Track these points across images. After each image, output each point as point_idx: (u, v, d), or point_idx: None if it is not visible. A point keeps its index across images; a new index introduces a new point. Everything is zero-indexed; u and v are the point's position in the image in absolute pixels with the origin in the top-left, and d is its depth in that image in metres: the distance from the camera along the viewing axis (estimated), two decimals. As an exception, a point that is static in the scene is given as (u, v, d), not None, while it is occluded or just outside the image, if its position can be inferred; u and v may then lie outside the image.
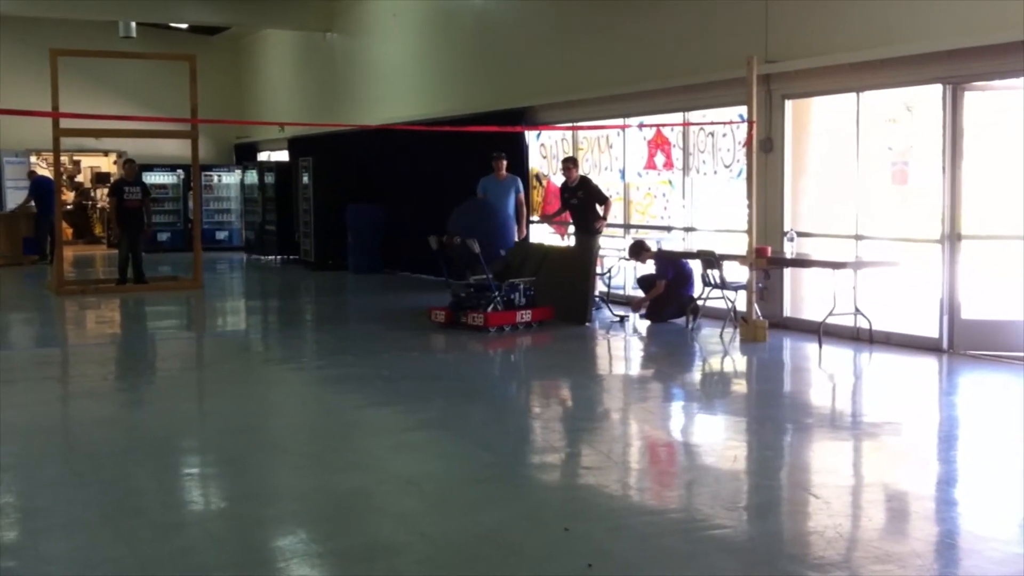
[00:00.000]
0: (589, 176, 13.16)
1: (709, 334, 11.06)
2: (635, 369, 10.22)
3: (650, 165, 13.38)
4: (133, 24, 21.27)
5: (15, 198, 22.11)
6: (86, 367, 10.36)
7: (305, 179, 19.68)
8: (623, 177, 13.75)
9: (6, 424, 7.34)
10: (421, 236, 17.05)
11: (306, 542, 4.95)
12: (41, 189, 20.09)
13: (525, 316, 11.31)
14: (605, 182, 13.52)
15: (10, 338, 12.56)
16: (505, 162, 13.48)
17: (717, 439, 7.14)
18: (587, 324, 11.69)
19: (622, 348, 11.09)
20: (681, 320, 11.64)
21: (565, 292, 11.91)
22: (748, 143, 10.64)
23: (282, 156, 22.91)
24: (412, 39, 18.28)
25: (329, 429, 7.43)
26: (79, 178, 25.99)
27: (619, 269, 13.26)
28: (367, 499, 5.68)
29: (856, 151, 10.50)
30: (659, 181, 13.30)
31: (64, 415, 8.16)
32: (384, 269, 18.00)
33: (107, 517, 5.30)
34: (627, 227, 13.87)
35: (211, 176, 23.80)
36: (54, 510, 5.40)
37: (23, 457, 6.52)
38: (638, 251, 12.08)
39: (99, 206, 25.40)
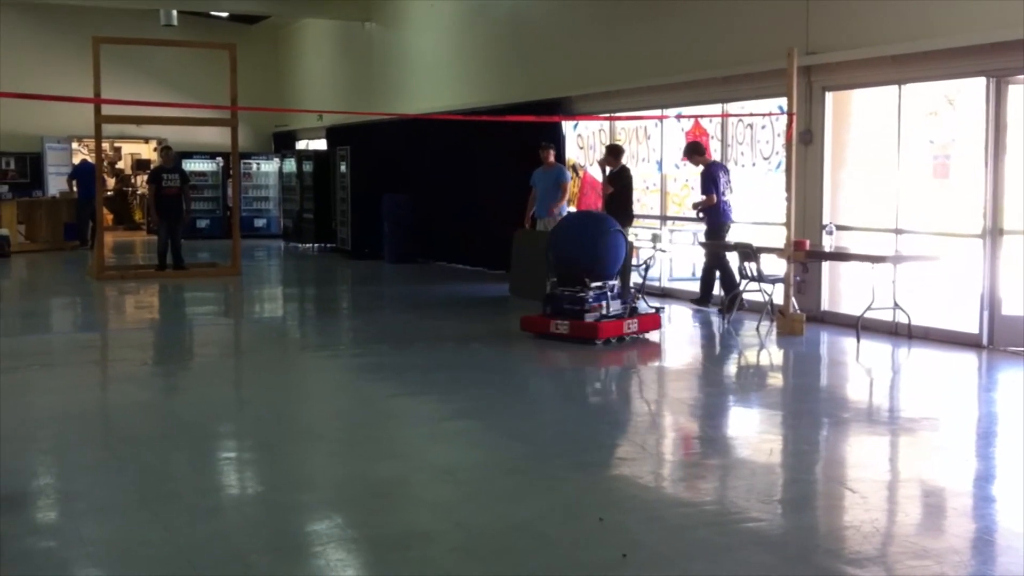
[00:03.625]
0: (628, 167, 13.11)
1: (745, 327, 11.00)
2: (670, 360, 10.18)
3: (709, 154, 13.30)
4: (175, 12, 21.44)
5: (58, 184, 22.38)
6: (125, 352, 10.48)
7: (342, 168, 19.77)
8: (660, 168, 13.70)
9: (46, 408, 7.46)
10: (456, 226, 17.24)
11: (341, 528, 4.99)
12: (82, 174, 20.33)
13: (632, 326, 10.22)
14: (642, 173, 13.48)
15: (51, 323, 12.75)
16: (553, 152, 13.58)
17: (752, 432, 7.12)
18: (623, 315, 11.65)
19: (657, 339, 11.05)
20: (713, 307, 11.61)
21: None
22: (788, 135, 10.56)
23: (320, 145, 23.03)
24: (450, 29, 18.29)
25: (365, 417, 7.47)
26: (119, 164, 26.25)
27: (655, 260, 13.21)
28: (402, 487, 5.71)
29: (897, 144, 10.39)
30: (696, 172, 13.22)
31: (103, 399, 8.26)
32: (419, 258, 18.04)
33: (145, 501, 5.37)
34: (663, 218, 13.84)
35: (250, 164, 23.97)
36: (93, 493, 5.48)
37: (63, 441, 6.62)
38: (693, 152, 12.01)
39: (139, 193, 25.64)
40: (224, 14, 24.11)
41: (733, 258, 11.42)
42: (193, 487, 5.65)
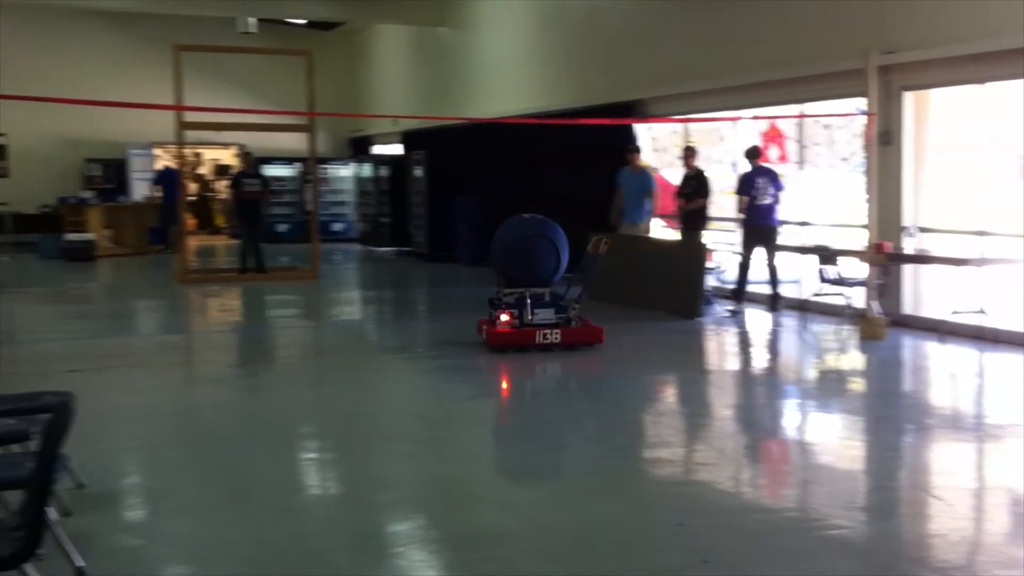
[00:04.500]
0: (703, 170, 13.03)
1: (825, 331, 10.86)
2: (748, 364, 10.10)
3: (763, 158, 13.17)
4: (253, 20, 21.81)
5: (142, 189, 22.92)
6: (209, 353, 10.71)
7: (418, 172, 19.94)
8: (735, 170, 13.57)
9: (133, 408, 7.66)
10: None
11: (421, 528, 5.05)
12: (165, 180, 20.80)
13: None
14: (717, 175, 13.38)
15: (136, 325, 13.08)
16: (640, 156, 13.58)
17: (833, 438, 7.02)
18: (697, 319, 11.59)
19: (734, 343, 10.97)
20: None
21: (674, 286, 11.84)
22: (867, 136, 10.40)
23: (396, 149, 23.25)
24: (523, 32, 18.34)
25: (443, 418, 7.53)
26: (201, 170, 26.77)
27: (726, 264, 13.11)
28: (479, 487, 5.76)
29: (980, 144, 10.16)
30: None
31: (189, 399, 8.44)
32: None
33: (229, 499, 5.49)
34: (739, 221, 13.69)
35: (327, 169, 24.29)
36: (179, 491, 5.62)
37: (150, 440, 6.79)
38: (754, 155, 12.09)
39: (219, 198, 26.13)
40: (301, 21, 24.47)
41: (812, 261, 11.29)
42: (276, 486, 5.75)
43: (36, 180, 22.51)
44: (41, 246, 20.26)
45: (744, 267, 12.16)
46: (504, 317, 9.59)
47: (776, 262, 11.92)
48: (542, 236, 10.03)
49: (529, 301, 9.70)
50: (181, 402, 8.25)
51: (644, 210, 13.40)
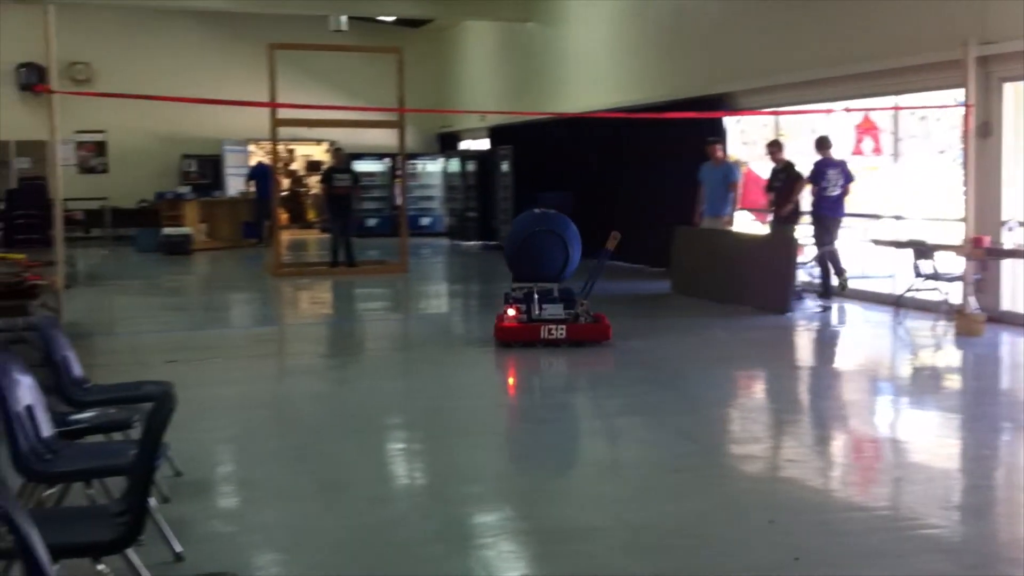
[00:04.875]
0: (793, 163, 12.84)
1: (920, 327, 10.62)
2: (839, 360, 9.93)
3: (857, 151, 12.94)
4: (344, 18, 22.11)
5: (236, 184, 23.42)
6: (300, 345, 10.92)
7: (504, 167, 20.00)
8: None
9: (227, 398, 7.85)
10: (615, 223, 17.14)
11: (509, 520, 5.08)
12: (259, 175, 21.22)
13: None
14: (809, 169, 13.14)
15: (231, 317, 13.39)
16: (720, 148, 13.44)
17: (928, 436, 6.87)
18: (787, 314, 11.43)
19: (826, 339, 10.80)
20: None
21: (762, 281, 11.70)
22: (964, 128, 10.14)
23: (483, 144, 23.38)
24: (610, 25, 18.27)
25: (530, 412, 7.57)
26: (293, 166, 27.24)
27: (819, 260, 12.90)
28: (569, 481, 5.78)
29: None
30: (867, 167, 12.85)
31: (281, 390, 8.62)
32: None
33: (320, 488, 5.60)
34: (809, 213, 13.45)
35: (416, 164, 24.53)
36: (271, 480, 5.75)
37: (243, 429, 6.95)
38: (824, 145, 12.04)
39: (311, 193, 26.56)
40: (390, 18, 24.73)
41: (907, 255, 11.05)
42: (365, 476, 5.85)
43: (135, 176, 23.18)
44: (139, 240, 20.85)
45: (823, 260, 12.06)
46: (511, 312, 9.66)
47: (836, 253, 11.96)
48: (548, 232, 10.06)
49: (536, 296, 9.71)
50: (273, 393, 8.43)
51: (727, 202, 13.26)
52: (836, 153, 12.14)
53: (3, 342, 8.04)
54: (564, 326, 9.46)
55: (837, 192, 11.86)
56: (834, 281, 12.02)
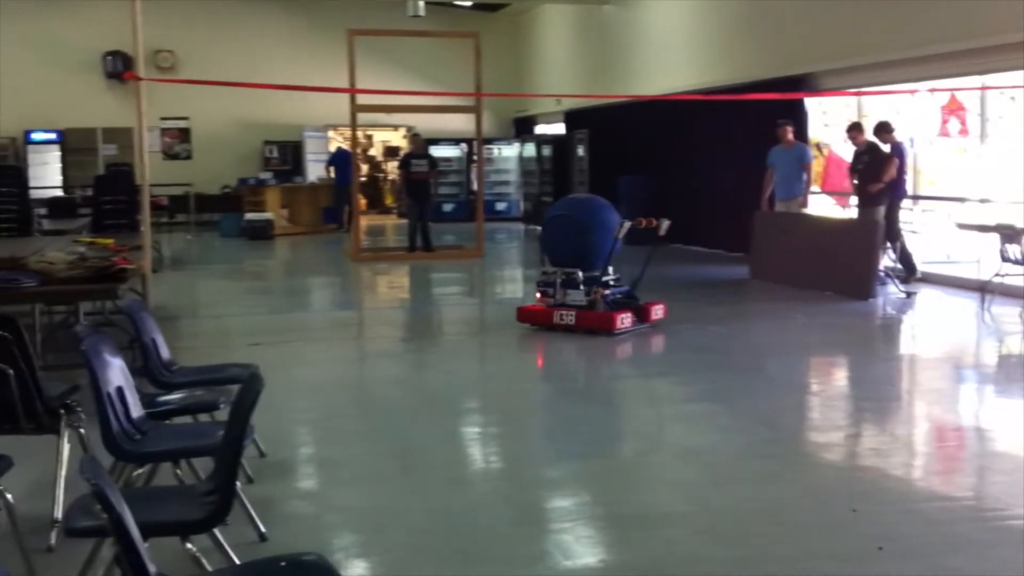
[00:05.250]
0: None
1: (1006, 313, 10.35)
2: (923, 347, 9.73)
3: (943, 132, 12.64)
4: (421, 3, 22.20)
5: (316, 170, 23.71)
6: (379, 329, 11.04)
7: (580, 151, 19.93)
8: (912, 145, 13.06)
9: (309, 380, 7.97)
10: (693, 207, 17.03)
11: (588, 505, 5.09)
12: (339, 161, 21.46)
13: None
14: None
15: (311, 301, 13.58)
16: (791, 129, 13.23)
17: (1014, 425, 6.70)
18: (870, 299, 11.23)
19: (909, 325, 10.60)
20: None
21: (845, 266, 11.50)
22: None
23: (558, 129, 23.32)
24: (687, 6, 18.05)
25: (606, 396, 7.56)
26: (372, 151, 27.49)
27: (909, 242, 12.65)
28: (647, 467, 5.76)
29: None
30: (953, 149, 12.55)
31: (361, 373, 8.74)
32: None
33: (398, 471, 5.66)
34: (915, 198, 13.19)
35: (492, 149, 24.57)
36: (350, 462, 5.83)
37: (325, 411, 7.06)
38: (884, 130, 12.03)
39: (389, 178, 26.80)
40: (467, 3, 24.77)
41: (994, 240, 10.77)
42: (444, 459, 5.90)
43: (218, 162, 23.58)
44: (222, 225, 21.26)
45: (903, 245, 11.99)
46: (538, 295, 9.87)
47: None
48: (565, 216, 10.01)
49: (559, 281, 9.72)
50: (353, 376, 8.55)
51: (800, 184, 13.08)
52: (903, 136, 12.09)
53: (93, 325, 8.27)
54: (574, 313, 9.51)
55: (905, 176, 11.85)
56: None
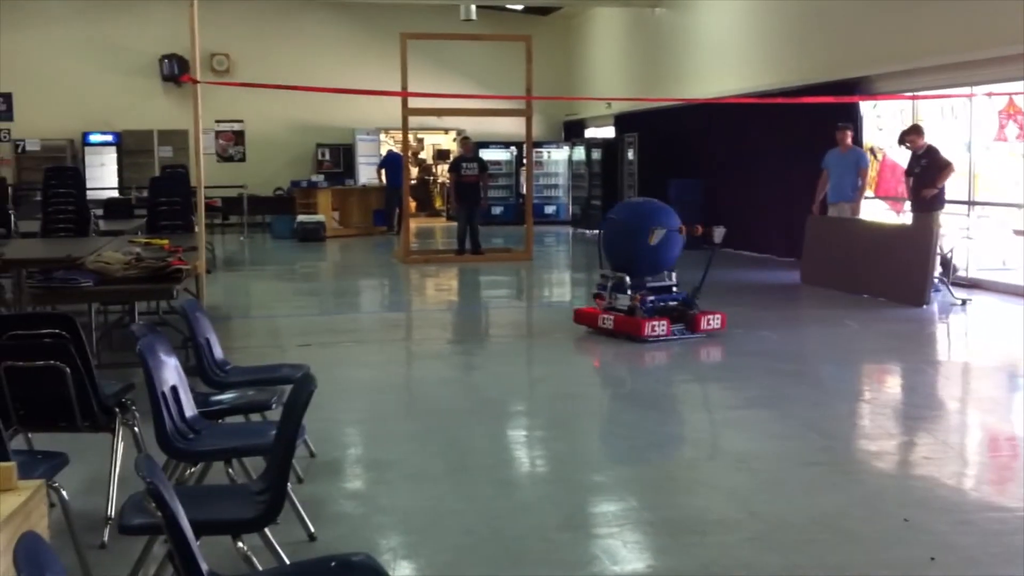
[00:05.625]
0: (935, 147, 12.38)
1: (1065, 321, 10.16)
2: (977, 355, 9.56)
3: (1000, 137, 12.43)
4: (473, 7, 22.27)
5: (367, 173, 23.87)
6: (428, 330, 11.09)
7: (630, 155, 19.87)
8: (969, 150, 12.86)
9: (359, 381, 8.02)
10: (744, 211, 16.91)
11: (636, 510, 5.07)
12: (390, 164, 21.59)
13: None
14: (949, 155, 12.70)
15: (362, 302, 13.67)
16: (850, 133, 13.12)
17: (1074, 435, 6.59)
18: (924, 306, 11.07)
19: (963, 333, 10.43)
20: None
21: (898, 271, 11.35)
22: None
23: (608, 132, 23.27)
24: (739, 10, 17.93)
25: (654, 401, 7.53)
26: (422, 154, 27.62)
27: (963, 248, 12.46)
28: (696, 473, 5.73)
29: None
30: (1011, 153, 12.34)
31: (411, 374, 8.78)
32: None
33: (446, 472, 5.68)
34: (971, 203, 12.98)
35: (541, 152, 24.57)
36: (402, 462, 5.86)
37: (374, 412, 7.10)
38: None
39: (439, 181, 26.91)
40: (519, 7, 24.80)
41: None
42: (494, 460, 5.91)
43: (271, 164, 23.84)
44: (274, 227, 21.47)
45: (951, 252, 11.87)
46: (595, 298, 10.01)
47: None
48: (616, 221, 10.07)
49: (610, 285, 9.79)
50: (403, 377, 8.59)
51: (855, 188, 12.95)
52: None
53: (148, 324, 8.40)
54: (612, 317, 9.58)
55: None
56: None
